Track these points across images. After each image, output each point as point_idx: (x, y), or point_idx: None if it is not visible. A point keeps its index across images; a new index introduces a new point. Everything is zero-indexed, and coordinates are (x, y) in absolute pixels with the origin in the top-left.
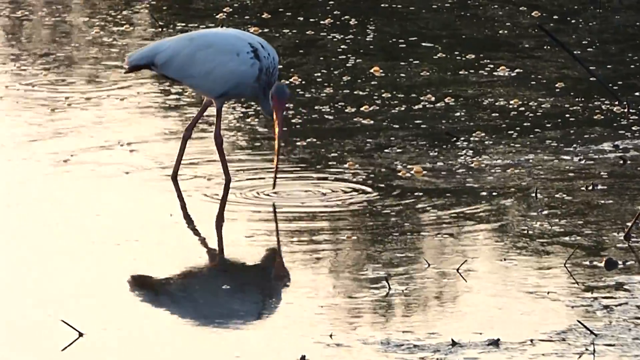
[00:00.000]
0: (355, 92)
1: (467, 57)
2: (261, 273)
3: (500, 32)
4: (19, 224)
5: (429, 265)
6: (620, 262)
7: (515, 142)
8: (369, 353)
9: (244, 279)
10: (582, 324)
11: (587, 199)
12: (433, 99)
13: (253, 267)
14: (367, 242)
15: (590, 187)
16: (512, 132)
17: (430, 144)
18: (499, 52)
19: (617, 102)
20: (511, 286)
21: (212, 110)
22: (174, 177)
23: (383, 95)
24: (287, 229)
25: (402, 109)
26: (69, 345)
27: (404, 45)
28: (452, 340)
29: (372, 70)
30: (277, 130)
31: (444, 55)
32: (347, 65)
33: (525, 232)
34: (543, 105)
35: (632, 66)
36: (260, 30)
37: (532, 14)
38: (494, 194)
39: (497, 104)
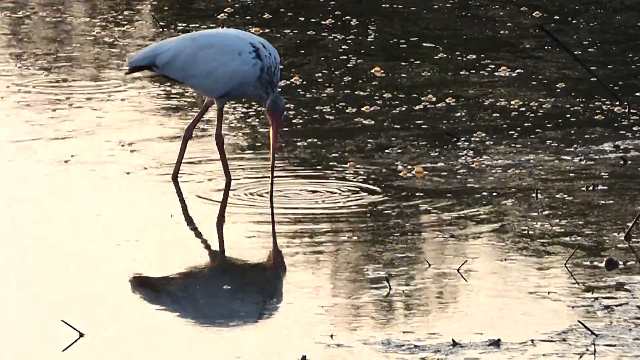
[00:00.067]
0: (356, 93)
1: (468, 57)
2: (262, 273)
3: (501, 32)
4: (20, 223)
5: (429, 265)
6: (620, 263)
7: (516, 142)
8: (370, 353)
9: (245, 279)
10: (582, 324)
11: (588, 199)
12: (434, 99)
13: (254, 267)
14: (367, 243)
15: (591, 188)
16: (513, 132)
17: (431, 144)
18: (500, 52)
19: (617, 103)
20: (512, 286)
21: (213, 110)
22: (175, 178)
23: (384, 95)
24: (287, 229)
25: (403, 109)
26: (69, 346)
27: (405, 46)
28: (453, 340)
29: (373, 71)
30: (271, 143)
31: (444, 55)
32: (348, 65)
33: (526, 232)
34: (544, 106)
35: (633, 66)
36: (261, 31)
37: (533, 14)
38: (495, 194)
39: (498, 104)
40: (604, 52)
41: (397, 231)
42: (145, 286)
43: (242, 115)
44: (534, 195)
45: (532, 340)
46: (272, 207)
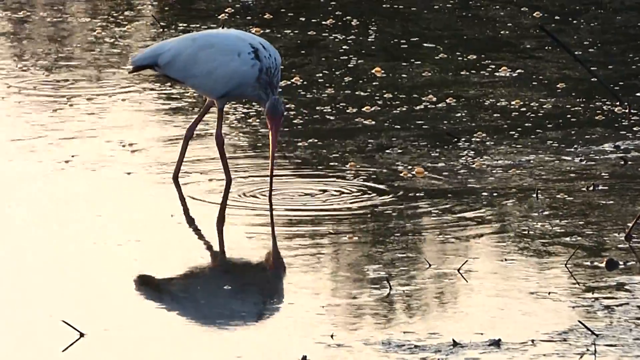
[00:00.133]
0: (356, 93)
1: (468, 57)
2: (262, 273)
3: (502, 32)
4: (21, 224)
5: (430, 265)
6: (621, 263)
7: (516, 142)
8: (370, 353)
9: (245, 280)
10: (583, 324)
11: (588, 200)
12: (434, 99)
13: (254, 267)
14: (368, 243)
15: (591, 188)
16: (514, 132)
17: (431, 145)
18: (501, 52)
19: (618, 103)
20: (512, 286)
21: (213, 111)
22: (175, 178)
23: (384, 95)
24: (288, 229)
25: (404, 109)
26: (69, 346)
27: (406, 46)
28: (453, 340)
29: (373, 71)
30: (271, 147)
31: (445, 55)
32: (349, 65)
33: (526, 232)
34: (544, 106)
35: (634, 67)
36: (262, 31)
37: (534, 14)
38: (495, 194)
39: (498, 104)
40: (604, 52)
41: (398, 231)
42: (146, 286)
43: (243, 115)
44: (535, 195)
45: (532, 341)
46: (271, 209)
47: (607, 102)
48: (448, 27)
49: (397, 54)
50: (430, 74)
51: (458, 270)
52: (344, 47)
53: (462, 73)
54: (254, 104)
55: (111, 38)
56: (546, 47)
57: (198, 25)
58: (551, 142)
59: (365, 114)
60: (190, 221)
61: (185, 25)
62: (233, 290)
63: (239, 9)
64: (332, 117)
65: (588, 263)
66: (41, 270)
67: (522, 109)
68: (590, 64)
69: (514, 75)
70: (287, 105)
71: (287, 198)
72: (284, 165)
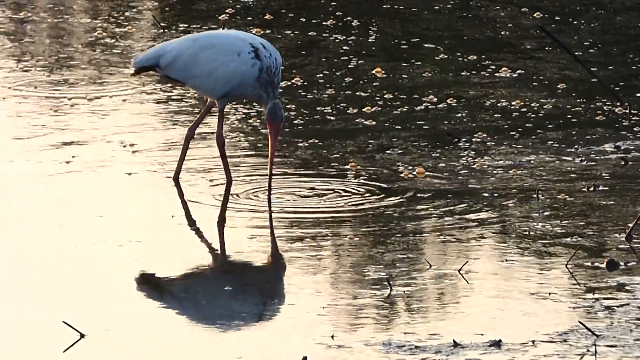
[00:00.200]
0: (357, 93)
1: (469, 58)
2: (263, 274)
3: (502, 33)
4: (21, 224)
5: (430, 266)
6: (621, 263)
7: (517, 143)
8: (371, 354)
9: (246, 280)
10: (583, 325)
11: (589, 200)
12: (435, 100)
13: (255, 268)
14: (368, 244)
15: (592, 188)
16: (514, 133)
17: (432, 145)
18: (501, 53)
19: (618, 103)
20: (513, 287)
21: (214, 111)
22: (176, 178)
23: (385, 96)
24: (288, 230)
25: (404, 110)
26: (70, 347)
27: (406, 47)
28: (454, 341)
29: (374, 71)
30: (270, 151)
31: (445, 56)
32: (349, 66)
33: (527, 233)
34: (545, 107)
35: (634, 67)
36: (262, 32)
37: (534, 15)
38: (496, 195)
39: (498, 105)
40: (604, 52)
41: (398, 232)
42: (147, 287)
43: (244, 115)
44: (535, 195)
45: (533, 341)
46: (270, 211)
47: (608, 103)
48: (448, 28)
49: (397, 54)
50: (430, 74)
51: (459, 271)
52: (344, 47)
53: (462, 73)
54: (254, 104)
55: (112, 38)
56: (546, 48)
57: (198, 26)
58: (552, 142)
59: (366, 115)
60: (191, 222)
61: (185, 25)
62: (233, 290)
63: (239, 10)
64: (332, 118)
65: (589, 263)
66: (41, 271)
67: (522, 110)
68: (590, 65)
69: (515, 75)
70: (288, 106)
71: (286, 198)
72: (284, 165)
